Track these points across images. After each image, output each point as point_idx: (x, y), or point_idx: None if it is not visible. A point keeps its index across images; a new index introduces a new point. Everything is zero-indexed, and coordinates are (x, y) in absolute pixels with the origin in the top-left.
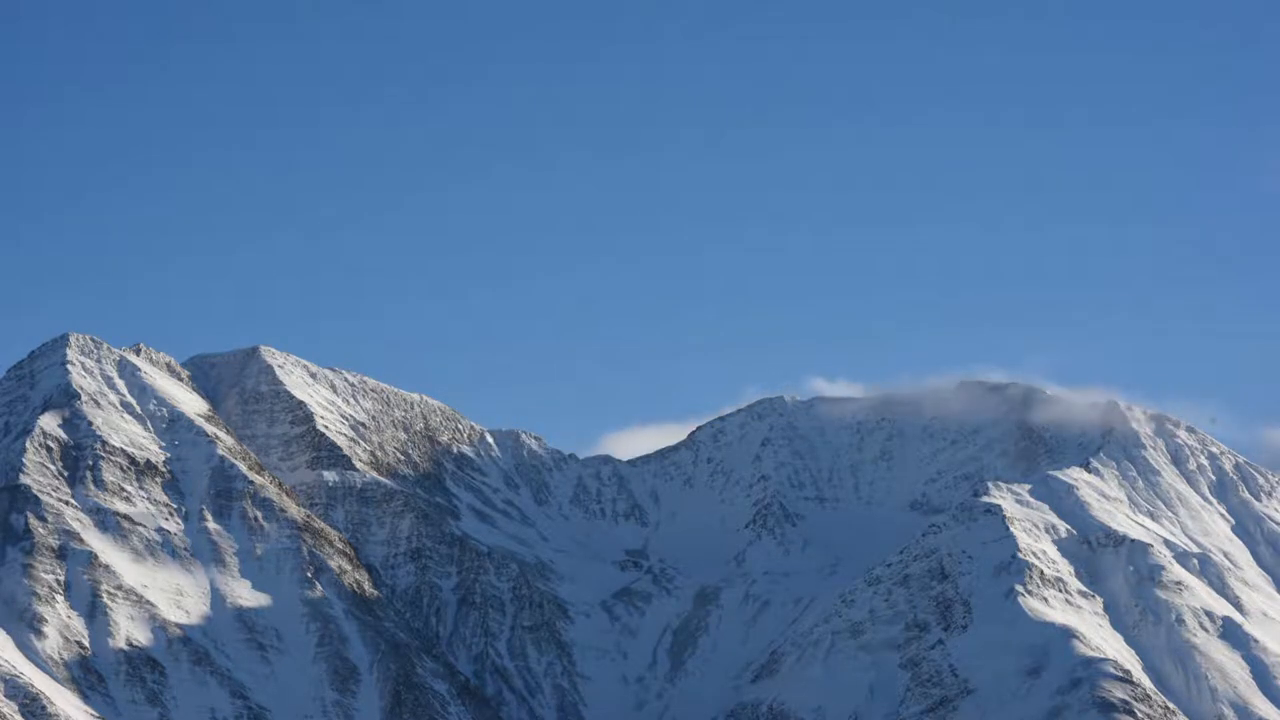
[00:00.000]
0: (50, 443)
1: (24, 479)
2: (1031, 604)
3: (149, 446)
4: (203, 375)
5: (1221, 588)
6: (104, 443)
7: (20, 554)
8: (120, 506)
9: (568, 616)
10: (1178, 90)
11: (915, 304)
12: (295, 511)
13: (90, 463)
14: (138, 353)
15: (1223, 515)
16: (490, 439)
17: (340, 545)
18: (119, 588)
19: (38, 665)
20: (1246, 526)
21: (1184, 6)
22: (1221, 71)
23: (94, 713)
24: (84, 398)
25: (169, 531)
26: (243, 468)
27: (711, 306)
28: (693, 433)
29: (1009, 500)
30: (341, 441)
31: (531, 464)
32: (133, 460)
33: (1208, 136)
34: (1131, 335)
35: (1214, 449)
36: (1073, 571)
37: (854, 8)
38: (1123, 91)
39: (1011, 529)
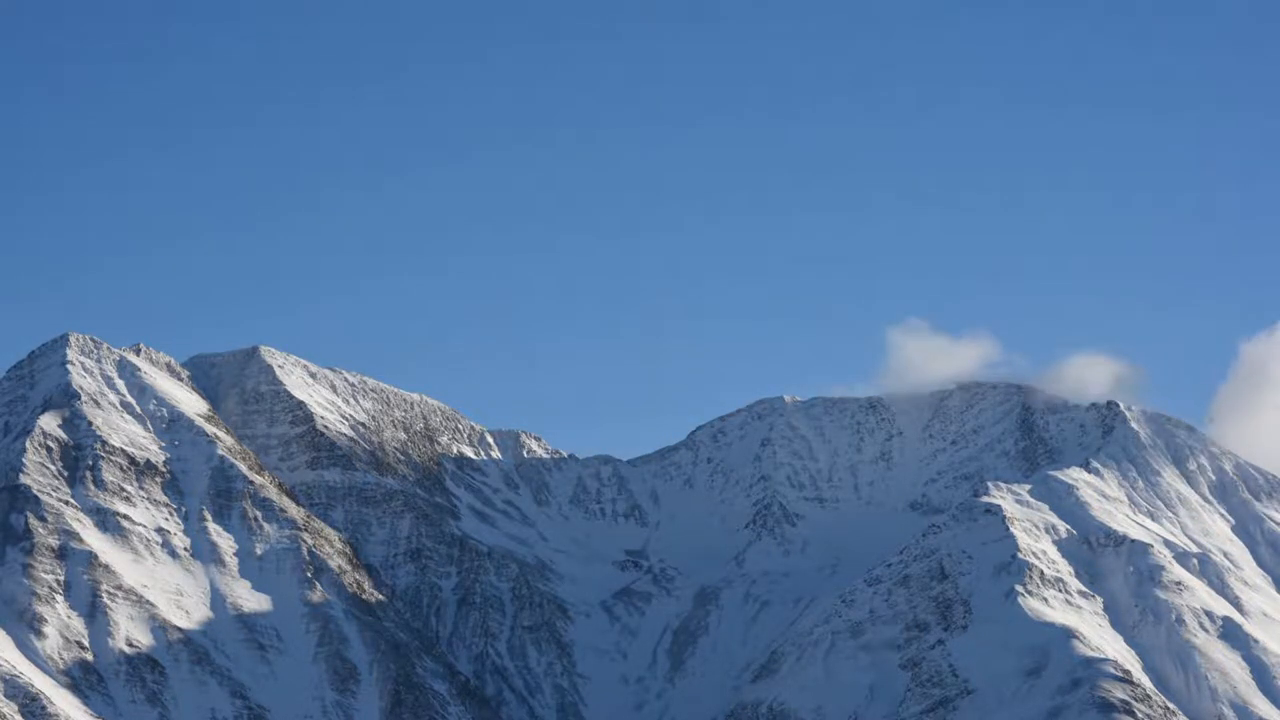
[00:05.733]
0: (50, 443)
1: (24, 479)
2: (1031, 604)
3: (149, 446)
4: (203, 375)
5: (1221, 588)
6: (104, 443)
7: (20, 554)
8: (120, 506)
9: (568, 616)
10: (1181, 87)
11: (915, 304)
12: (295, 511)
13: (90, 463)
14: (138, 353)
15: (1223, 515)
16: (490, 439)
17: (340, 545)
18: (119, 588)
19: (38, 665)
20: (1246, 527)
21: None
22: (1223, 65)
23: (94, 713)
24: (84, 398)
25: (169, 531)
26: (243, 468)
27: (711, 306)
28: (693, 433)
29: (1009, 500)
30: (341, 441)
31: (531, 464)
32: (133, 460)
33: (1210, 133)
34: (1132, 334)
35: (1214, 449)
36: (1073, 572)
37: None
38: (1127, 90)
39: (1011, 529)
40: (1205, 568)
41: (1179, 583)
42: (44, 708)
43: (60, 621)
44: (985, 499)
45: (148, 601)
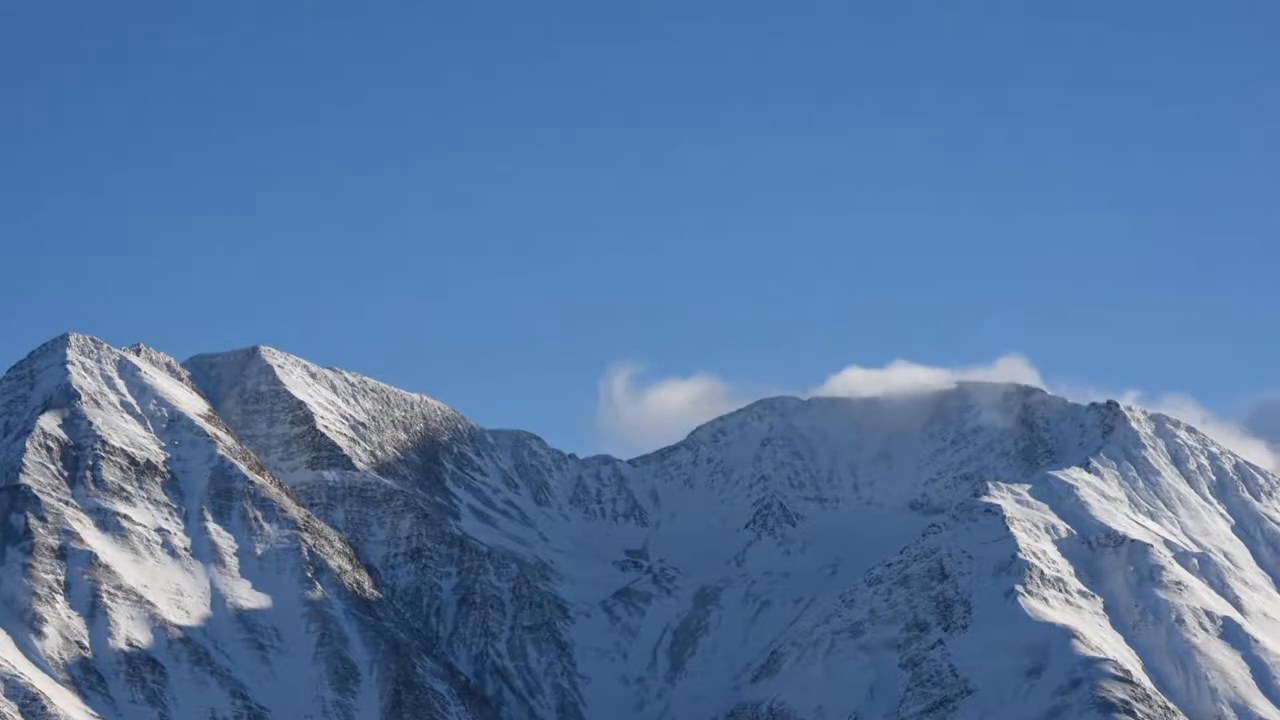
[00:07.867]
0: (50, 443)
1: (24, 479)
2: (1031, 604)
3: (149, 446)
4: (203, 375)
5: (1221, 588)
6: (104, 443)
7: (20, 554)
8: (120, 506)
9: (568, 616)
10: (1180, 84)
11: (915, 303)
12: (295, 511)
13: (90, 463)
14: (138, 353)
15: (1223, 515)
16: (490, 439)
17: (340, 545)
18: (119, 588)
19: (38, 665)
20: (1246, 526)
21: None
22: (1219, 64)
23: (94, 713)
24: (84, 398)
25: (169, 531)
26: (243, 468)
27: (712, 306)
28: (693, 433)
29: (1009, 500)
30: (341, 441)
31: (531, 464)
32: (133, 460)
33: (1210, 130)
34: (1132, 334)
35: (1214, 449)
36: (1073, 571)
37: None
38: (1127, 84)
39: (1011, 529)
40: (1205, 568)
41: (1179, 582)
42: (44, 708)
43: (60, 621)
44: (985, 499)
45: (148, 601)
